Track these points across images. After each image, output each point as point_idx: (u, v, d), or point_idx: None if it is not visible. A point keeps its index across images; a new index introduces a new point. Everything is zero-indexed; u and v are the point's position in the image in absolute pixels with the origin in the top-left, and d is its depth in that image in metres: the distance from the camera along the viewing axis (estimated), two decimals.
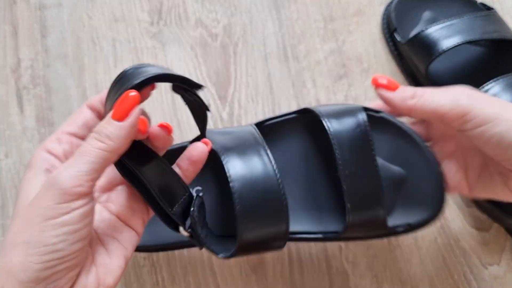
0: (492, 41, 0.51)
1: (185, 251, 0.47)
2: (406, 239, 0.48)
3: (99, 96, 0.34)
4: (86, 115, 0.33)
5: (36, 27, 0.54)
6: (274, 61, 0.53)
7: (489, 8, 0.52)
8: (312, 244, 0.47)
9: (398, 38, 0.52)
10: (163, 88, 0.52)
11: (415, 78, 0.53)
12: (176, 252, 0.47)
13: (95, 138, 0.28)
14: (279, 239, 0.36)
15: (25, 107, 0.51)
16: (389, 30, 0.53)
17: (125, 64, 0.53)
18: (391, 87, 0.38)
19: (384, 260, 0.47)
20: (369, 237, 0.39)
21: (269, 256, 0.47)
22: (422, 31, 0.49)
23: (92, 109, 0.34)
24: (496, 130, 0.33)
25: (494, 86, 0.45)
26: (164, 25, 0.55)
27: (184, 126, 0.51)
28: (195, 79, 0.53)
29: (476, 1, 0.53)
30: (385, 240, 0.48)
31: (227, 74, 0.53)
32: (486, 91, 0.45)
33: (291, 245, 0.47)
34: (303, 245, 0.47)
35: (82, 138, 0.33)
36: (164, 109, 0.52)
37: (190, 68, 0.53)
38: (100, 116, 0.34)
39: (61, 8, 0.55)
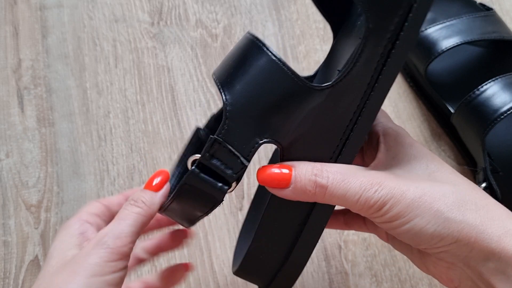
0: (491, 42, 0.51)
1: (185, 251, 0.47)
2: None
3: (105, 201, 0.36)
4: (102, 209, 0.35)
5: (37, 28, 0.54)
6: None
7: (488, 9, 0.52)
8: None
9: None
10: (163, 88, 0.53)
11: (414, 78, 0.53)
12: (176, 252, 0.47)
13: (131, 204, 0.31)
14: None
15: (26, 107, 0.51)
16: None
17: (126, 64, 0.53)
18: (281, 184, 0.29)
19: (383, 260, 0.47)
20: None
21: None
22: (422, 31, 0.49)
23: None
24: (408, 227, 0.28)
25: (493, 86, 0.45)
26: (164, 25, 0.55)
27: (184, 126, 0.51)
28: (195, 79, 0.53)
29: (476, 2, 0.53)
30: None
31: None
32: (485, 90, 0.45)
33: None
34: None
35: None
36: (165, 109, 0.52)
37: (190, 68, 0.53)
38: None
39: (62, 8, 0.55)
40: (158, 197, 0.32)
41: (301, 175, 0.29)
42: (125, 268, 0.29)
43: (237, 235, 0.42)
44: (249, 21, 0.55)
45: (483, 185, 0.45)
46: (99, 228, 0.33)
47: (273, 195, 0.30)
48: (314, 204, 0.31)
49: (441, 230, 0.27)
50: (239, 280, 0.46)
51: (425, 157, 0.31)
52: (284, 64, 0.27)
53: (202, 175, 0.28)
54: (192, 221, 0.32)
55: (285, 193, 0.29)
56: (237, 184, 0.30)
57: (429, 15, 0.53)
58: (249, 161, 0.28)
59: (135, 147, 0.51)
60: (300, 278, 0.47)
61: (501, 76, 0.45)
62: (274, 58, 0.27)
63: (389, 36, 0.27)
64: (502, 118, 0.43)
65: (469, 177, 0.50)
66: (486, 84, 0.45)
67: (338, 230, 0.48)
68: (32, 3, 0.55)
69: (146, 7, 0.55)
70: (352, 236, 0.48)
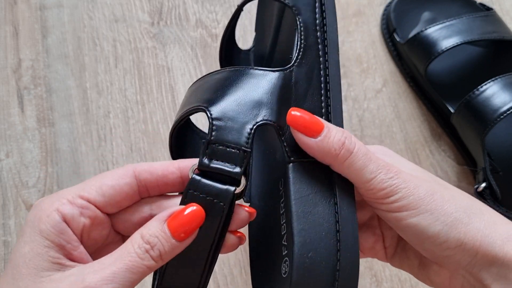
0: (491, 42, 0.51)
1: None
2: None
3: (148, 166, 0.28)
4: (116, 182, 0.28)
5: (37, 28, 0.54)
6: None
7: (488, 9, 0.52)
8: None
9: (397, 38, 0.52)
10: (163, 88, 0.53)
11: (414, 78, 0.53)
12: None
13: (146, 251, 0.24)
14: None
15: (26, 107, 0.51)
16: (389, 30, 0.54)
17: (126, 64, 0.53)
18: (311, 131, 0.28)
19: None
20: None
21: None
22: (422, 31, 0.49)
23: (136, 176, 0.28)
24: (415, 220, 0.28)
25: (492, 86, 0.45)
26: (164, 25, 0.55)
27: None
28: (195, 79, 0.53)
29: (476, 2, 0.53)
30: None
31: None
32: (484, 90, 0.45)
33: None
34: None
35: (101, 209, 0.27)
36: (165, 109, 0.52)
37: (190, 68, 0.53)
38: (141, 187, 0.28)
39: (62, 8, 0.55)
40: (180, 248, 0.25)
41: (332, 132, 0.28)
42: None
43: None
44: (249, 21, 0.55)
45: (483, 185, 0.45)
46: (83, 233, 0.27)
47: (293, 182, 0.29)
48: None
49: (448, 230, 0.28)
50: (239, 280, 0.46)
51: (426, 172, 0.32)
52: (253, 68, 0.31)
53: (204, 180, 0.27)
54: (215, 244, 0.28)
55: (310, 143, 0.28)
56: (246, 180, 0.28)
57: (429, 15, 0.53)
58: (250, 148, 0.28)
59: (135, 147, 0.51)
60: None
61: (501, 76, 0.45)
62: (239, 68, 0.31)
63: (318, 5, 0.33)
64: (502, 118, 0.43)
65: (469, 177, 0.50)
66: (486, 84, 0.45)
67: None
68: (32, 3, 0.55)
69: (146, 7, 0.55)
70: None
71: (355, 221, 0.29)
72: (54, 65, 0.53)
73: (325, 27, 0.33)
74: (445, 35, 0.48)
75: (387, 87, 0.53)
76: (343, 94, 0.53)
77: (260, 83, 0.30)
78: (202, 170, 0.27)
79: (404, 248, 0.33)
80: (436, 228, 0.28)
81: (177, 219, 0.25)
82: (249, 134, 0.28)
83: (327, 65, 0.32)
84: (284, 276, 0.29)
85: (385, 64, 0.54)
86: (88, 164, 0.50)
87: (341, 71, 0.53)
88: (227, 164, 0.27)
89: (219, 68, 0.53)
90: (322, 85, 0.31)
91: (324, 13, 0.33)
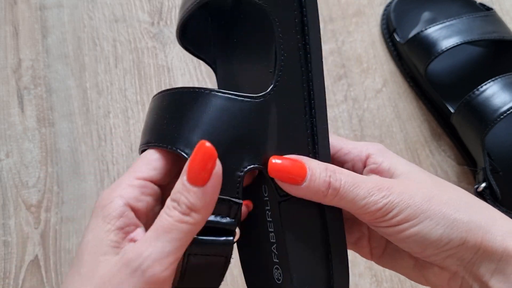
0: (491, 42, 0.51)
1: None
2: None
3: None
4: (160, 153, 0.28)
5: (37, 28, 0.54)
6: None
7: (488, 9, 0.52)
8: None
9: (397, 38, 0.52)
10: (164, 88, 0.53)
11: (414, 78, 0.53)
12: None
13: (174, 208, 0.24)
14: None
15: (26, 107, 0.51)
16: (389, 30, 0.54)
17: (126, 64, 0.53)
18: (295, 179, 0.27)
19: None
20: None
21: None
22: (422, 31, 0.49)
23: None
24: (417, 229, 0.28)
25: (492, 86, 0.45)
26: (164, 25, 0.55)
27: None
28: (195, 79, 0.53)
29: (476, 2, 0.53)
30: None
31: None
32: (484, 90, 0.45)
33: None
34: None
35: (157, 182, 0.28)
36: None
37: (190, 68, 0.53)
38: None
39: (62, 8, 0.55)
40: (208, 194, 0.24)
41: (316, 174, 0.27)
42: None
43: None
44: None
45: (483, 185, 0.45)
46: (148, 211, 0.27)
47: (285, 220, 0.29)
48: (323, 211, 0.29)
49: (450, 231, 0.28)
50: (240, 280, 0.46)
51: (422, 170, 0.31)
52: (223, 92, 0.26)
53: (201, 237, 0.25)
54: None
55: (297, 190, 0.27)
56: (239, 227, 0.27)
57: (429, 15, 0.53)
58: (240, 198, 0.27)
59: (135, 147, 0.51)
60: None
61: (501, 76, 0.45)
62: (212, 92, 0.26)
63: (297, 21, 0.29)
64: (502, 118, 0.43)
65: (469, 177, 0.50)
66: (486, 84, 0.45)
67: None
68: (32, 3, 0.55)
69: (146, 7, 0.55)
70: None
71: (346, 255, 0.30)
72: (54, 65, 0.53)
73: (306, 35, 0.29)
74: (445, 35, 0.48)
75: (387, 87, 0.53)
76: (343, 94, 0.53)
77: (237, 115, 0.26)
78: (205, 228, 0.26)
79: (397, 249, 0.32)
80: (437, 233, 0.28)
81: (191, 168, 0.24)
82: (238, 183, 0.26)
83: (311, 86, 0.29)
84: (278, 282, 0.30)
85: (385, 64, 0.54)
86: (88, 164, 0.50)
87: (342, 71, 0.53)
88: (218, 217, 0.26)
89: None
90: (307, 116, 0.29)
91: (304, 11, 0.29)
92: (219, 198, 0.25)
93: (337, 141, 0.33)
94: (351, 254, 0.47)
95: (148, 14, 0.55)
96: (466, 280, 0.29)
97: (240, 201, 0.26)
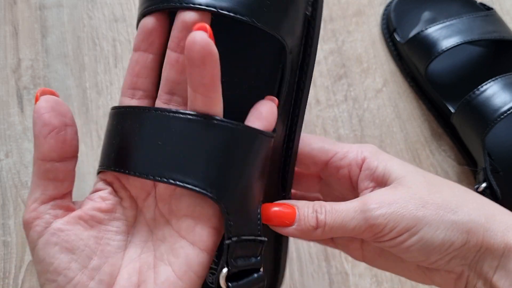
0: (491, 41, 0.51)
1: None
2: None
3: None
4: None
5: (37, 27, 0.54)
6: None
7: (488, 8, 0.52)
8: (312, 244, 0.47)
9: (397, 38, 0.52)
10: None
11: (415, 78, 0.53)
12: None
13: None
14: None
15: (26, 107, 0.51)
16: (389, 30, 0.54)
17: (126, 64, 0.53)
18: (286, 222, 0.29)
19: None
20: None
21: None
22: (422, 31, 0.49)
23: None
24: (417, 238, 0.28)
25: (493, 86, 0.45)
26: None
27: None
28: None
29: (476, 1, 0.53)
30: None
31: None
32: (485, 90, 0.45)
33: (291, 245, 0.47)
34: (303, 245, 0.47)
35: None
36: None
37: None
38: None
39: (61, 8, 0.55)
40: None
41: (304, 213, 0.29)
42: None
43: None
44: None
45: (483, 185, 0.45)
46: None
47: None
48: None
49: (451, 234, 0.27)
50: None
51: (413, 168, 0.31)
52: (251, 129, 0.26)
53: (237, 282, 0.26)
54: None
55: (289, 231, 0.29)
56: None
57: (429, 15, 0.53)
58: (262, 235, 0.27)
59: None
60: (300, 278, 0.47)
61: (501, 76, 0.45)
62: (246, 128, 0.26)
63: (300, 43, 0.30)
64: (502, 118, 0.43)
65: (469, 177, 0.50)
66: (486, 84, 0.45)
67: None
68: (32, 3, 0.55)
69: None
70: None
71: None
72: (54, 65, 0.53)
73: (305, 73, 0.29)
74: (445, 35, 0.48)
75: (387, 87, 0.53)
76: (343, 94, 0.52)
77: (246, 149, 0.26)
78: (233, 272, 0.26)
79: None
80: (439, 237, 0.27)
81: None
82: (258, 220, 0.27)
83: (292, 137, 0.30)
84: (211, 285, 0.32)
85: (385, 64, 0.54)
86: (88, 164, 0.50)
87: (342, 70, 0.53)
88: (248, 258, 0.27)
89: None
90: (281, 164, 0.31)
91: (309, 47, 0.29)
92: (247, 239, 0.26)
93: (331, 145, 0.32)
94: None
95: None
96: (471, 279, 0.29)
97: (265, 238, 0.27)
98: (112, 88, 0.52)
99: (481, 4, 0.52)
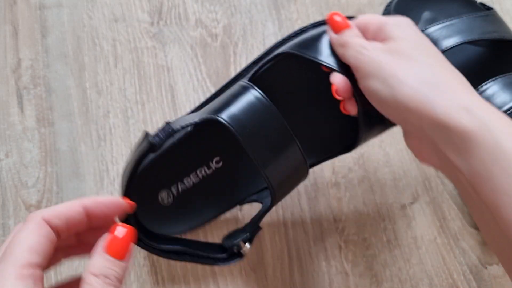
0: (491, 41, 0.51)
1: None
2: (406, 239, 0.48)
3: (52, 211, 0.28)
4: (51, 236, 0.27)
5: (36, 27, 0.54)
6: None
7: (488, 8, 0.52)
8: (312, 243, 0.48)
9: None
10: (163, 88, 0.53)
11: None
12: None
13: (108, 284, 0.26)
14: (300, 163, 0.38)
15: (26, 107, 0.51)
16: None
17: (125, 64, 0.53)
18: (338, 27, 0.37)
19: (383, 260, 0.47)
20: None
21: (269, 255, 0.47)
22: (422, 31, 0.49)
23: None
24: (371, 83, 0.33)
25: (493, 86, 0.45)
26: (164, 25, 0.55)
27: None
28: (194, 79, 0.53)
29: (476, 1, 0.53)
30: (384, 240, 0.48)
31: (227, 74, 0.53)
32: (485, 90, 0.45)
33: (291, 245, 0.47)
34: (303, 244, 0.47)
35: (45, 268, 0.27)
36: (164, 109, 0.52)
37: (190, 68, 0.53)
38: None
39: (61, 8, 0.55)
40: (127, 267, 0.27)
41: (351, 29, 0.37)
42: None
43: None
44: (249, 20, 0.55)
45: None
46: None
47: None
48: None
49: (396, 94, 0.31)
50: (239, 280, 0.46)
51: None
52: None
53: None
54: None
55: (330, 36, 0.38)
56: None
57: (429, 15, 0.53)
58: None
59: None
60: (300, 278, 0.47)
61: (501, 76, 0.45)
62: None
63: None
64: None
65: None
66: (486, 84, 0.45)
67: (339, 230, 0.48)
68: (32, 3, 0.55)
69: (145, 6, 0.55)
70: (352, 236, 0.48)
71: None
72: (54, 64, 0.53)
73: None
74: (445, 34, 0.48)
75: None
76: None
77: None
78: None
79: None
80: (384, 93, 0.32)
81: (114, 245, 0.27)
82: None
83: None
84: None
85: None
86: (88, 164, 0.50)
87: None
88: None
89: (218, 67, 0.53)
90: None
91: None
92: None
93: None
94: (351, 255, 0.47)
95: (147, 13, 0.55)
96: (430, 145, 0.32)
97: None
98: (112, 88, 0.52)
99: (481, 4, 0.52)
